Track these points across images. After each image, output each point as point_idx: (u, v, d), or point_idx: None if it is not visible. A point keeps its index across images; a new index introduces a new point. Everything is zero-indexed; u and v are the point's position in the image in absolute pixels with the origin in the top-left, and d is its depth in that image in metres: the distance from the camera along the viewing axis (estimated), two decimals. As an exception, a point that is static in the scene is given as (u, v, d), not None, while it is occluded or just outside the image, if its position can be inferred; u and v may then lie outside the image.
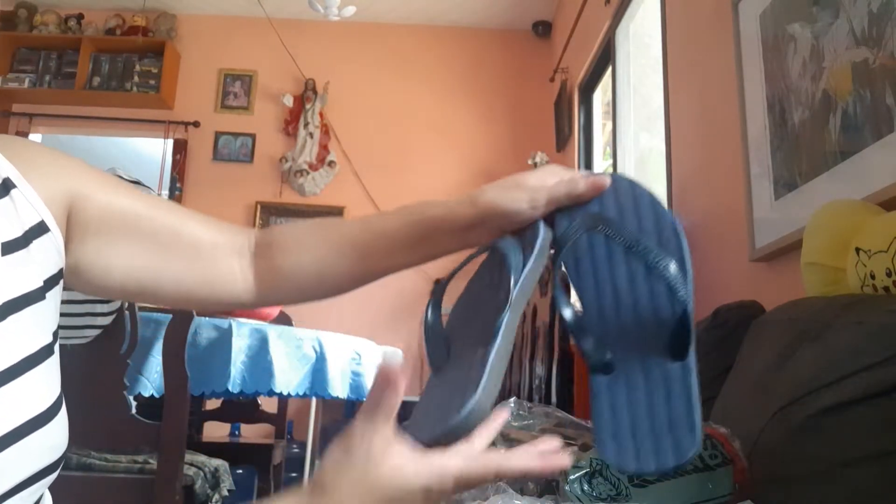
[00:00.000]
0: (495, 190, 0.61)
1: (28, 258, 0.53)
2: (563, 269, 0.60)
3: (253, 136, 4.44)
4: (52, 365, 0.53)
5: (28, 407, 0.49)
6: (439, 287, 0.63)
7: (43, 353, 0.51)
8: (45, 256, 0.55)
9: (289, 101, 4.38)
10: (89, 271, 0.61)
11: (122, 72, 4.42)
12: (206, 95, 4.51)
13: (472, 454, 0.50)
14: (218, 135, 4.44)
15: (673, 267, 0.55)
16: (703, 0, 2.01)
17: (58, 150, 0.61)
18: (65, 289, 0.59)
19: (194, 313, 1.52)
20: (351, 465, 0.49)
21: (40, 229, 0.55)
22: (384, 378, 0.49)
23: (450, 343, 0.60)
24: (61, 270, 0.57)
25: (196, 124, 4.44)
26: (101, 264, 0.61)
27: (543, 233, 0.60)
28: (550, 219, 0.62)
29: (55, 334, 0.55)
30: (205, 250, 0.67)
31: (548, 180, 0.61)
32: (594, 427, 0.54)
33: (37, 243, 0.54)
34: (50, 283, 0.55)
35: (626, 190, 0.61)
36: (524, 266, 0.57)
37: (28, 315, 0.51)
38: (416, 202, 0.66)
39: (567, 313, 0.57)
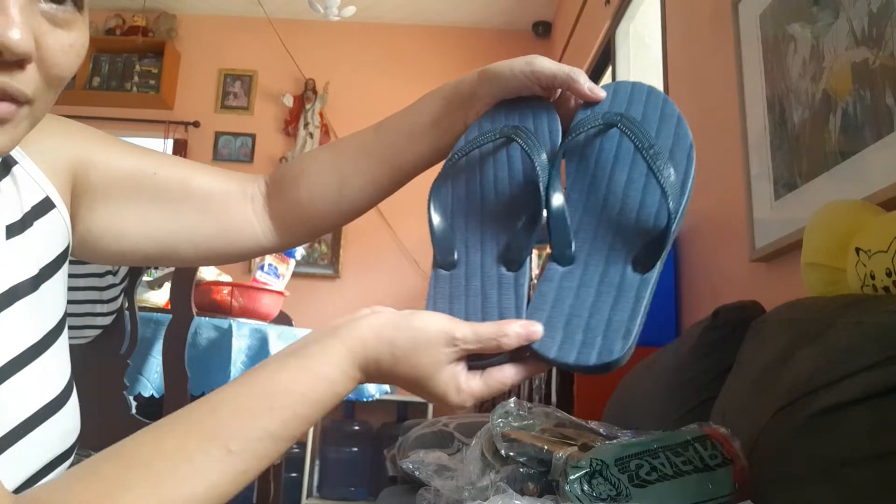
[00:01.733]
0: (503, 67, 0.63)
1: (33, 239, 0.51)
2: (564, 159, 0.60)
3: (253, 137, 4.44)
4: (61, 349, 0.52)
5: (40, 394, 0.48)
6: (442, 175, 0.62)
7: (51, 338, 0.50)
8: (52, 235, 0.54)
9: (289, 102, 4.38)
10: (102, 238, 0.60)
11: (122, 72, 4.42)
12: (206, 95, 4.51)
13: (492, 376, 0.51)
14: (218, 135, 4.44)
15: (674, 177, 0.54)
16: (703, 0, 2.01)
17: (53, 116, 0.59)
18: (77, 262, 0.58)
19: (194, 313, 1.52)
20: (413, 347, 0.49)
21: (45, 206, 0.54)
22: (503, 336, 0.50)
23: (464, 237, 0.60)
24: (68, 247, 0.56)
25: (196, 124, 4.44)
26: (113, 230, 0.60)
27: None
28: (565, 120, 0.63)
29: (63, 316, 0.54)
30: (216, 200, 0.65)
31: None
32: (530, 309, 0.54)
33: (42, 222, 0.53)
34: (57, 262, 0.54)
35: (656, 101, 0.60)
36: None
37: (35, 299, 0.50)
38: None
39: (558, 199, 0.56)
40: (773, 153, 1.50)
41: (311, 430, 3.86)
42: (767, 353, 0.98)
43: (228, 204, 0.66)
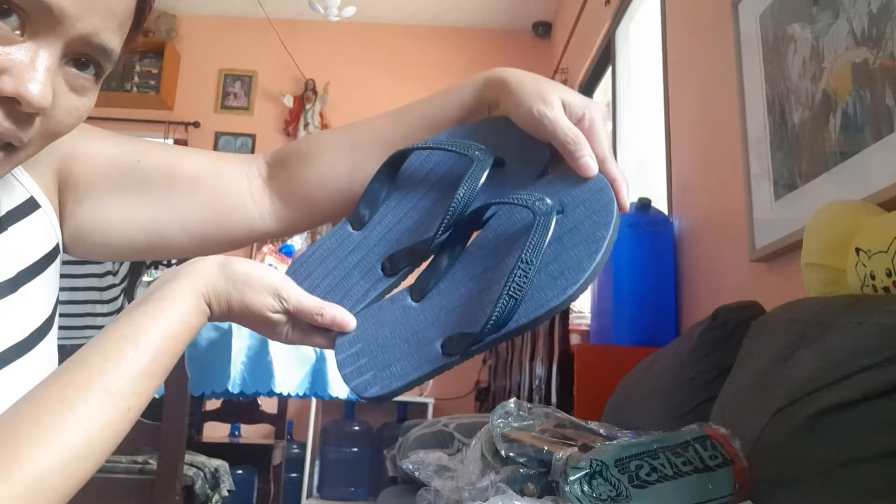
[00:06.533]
0: (517, 93, 0.57)
1: (8, 243, 0.51)
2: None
3: (253, 137, 4.44)
4: (47, 350, 0.52)
5: (21, 395, 0.47)
6: (403, 151, 0.59)
7: (34, 339, 0.50)
8: (34, 237, 0.54)
9: (289, 102, 4.38)
10: (91, 233, 0.59)
11: (122, 72, 4.42)
12: (206, 96, 4.51)
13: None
14: (218, 135, 4.44)
15: (514, 285, 0.49)
16: (703, 0, 2.01)
17: None
18: (77, 262, 0.58)
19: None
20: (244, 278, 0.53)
21: (29, 207, 0.53)
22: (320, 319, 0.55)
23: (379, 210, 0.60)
24: (57, 246, 0.56)
25: (196, 125, 4.44)
26: (101, 222, 0.59)
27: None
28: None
29: (49, 318, 0.53)
30: (205, 182, 0.62)
31: (566, 116, 0.55)
32: (361, 312, 0.56)
33: (21, 224, 0.53)
34: (41, 264, 0.53)
35: (605, 203, 0.53)
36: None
37: (22, 296, 0.50)
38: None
39: (455, 246, 0.57)
40: (773, 153, 1.50)
41: (311, 430, 3.86)
42: (767, 354, 0.98)
43: (219, 185, 0.63)
